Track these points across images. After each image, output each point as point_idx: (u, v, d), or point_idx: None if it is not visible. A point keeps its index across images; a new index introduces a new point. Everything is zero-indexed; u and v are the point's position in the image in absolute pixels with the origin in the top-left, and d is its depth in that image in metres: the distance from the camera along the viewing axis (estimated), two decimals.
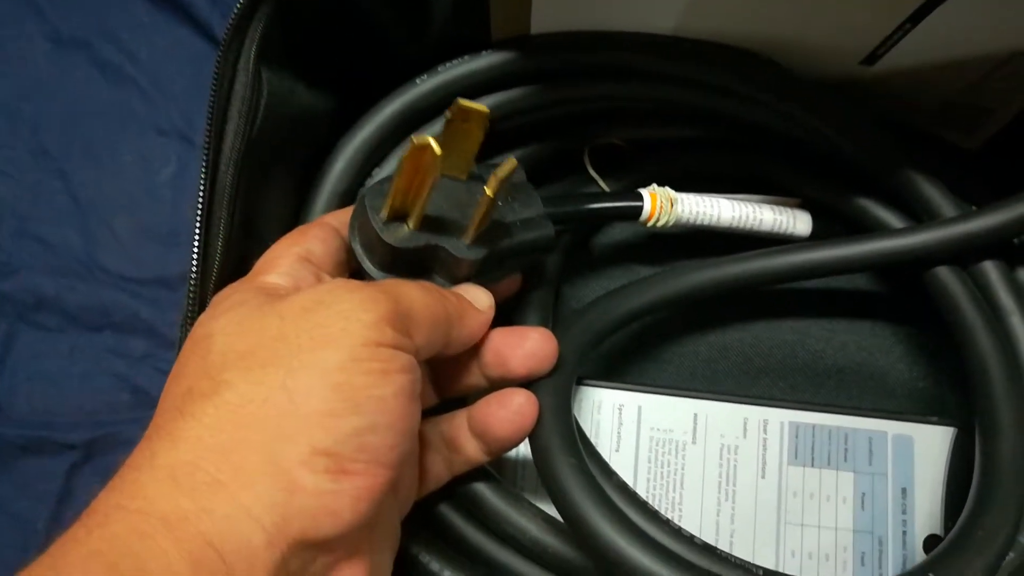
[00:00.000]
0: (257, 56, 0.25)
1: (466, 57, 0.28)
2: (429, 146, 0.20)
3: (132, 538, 0.16)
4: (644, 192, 0.28)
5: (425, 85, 0.28)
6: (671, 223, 0.28)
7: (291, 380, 0.17)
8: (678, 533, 0.23)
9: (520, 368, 0.23)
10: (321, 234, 0.23)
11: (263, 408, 0.17)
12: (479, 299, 0.23)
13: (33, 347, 0.33)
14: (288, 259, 0.22)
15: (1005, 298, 0.27)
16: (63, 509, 0.31)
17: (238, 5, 0.24)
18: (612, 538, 0.20)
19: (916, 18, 0.25)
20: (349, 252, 0.23)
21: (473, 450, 0.23)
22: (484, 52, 0.28)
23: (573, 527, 0.21)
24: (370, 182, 0.28)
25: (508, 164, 0.21)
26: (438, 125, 0.28)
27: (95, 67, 0.36)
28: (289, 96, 0.26)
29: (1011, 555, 0.24)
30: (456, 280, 0.23)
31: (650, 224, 0.28)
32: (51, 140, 0.35)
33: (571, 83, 0.29)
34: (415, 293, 0.20)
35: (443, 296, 0.21)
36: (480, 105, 0.21)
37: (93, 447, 0.32)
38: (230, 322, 0.19)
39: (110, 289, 0.33)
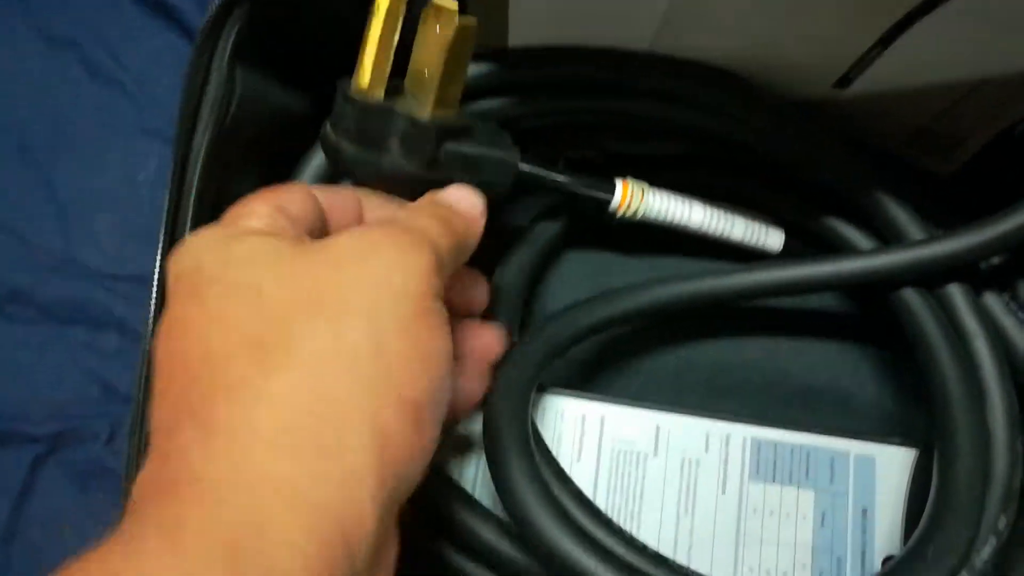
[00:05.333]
0: (232, 55, 0.25)
1: None
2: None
3: (251, 514, 0.14)
4: (617, 180, 0.28)
5: None
6: (641, 214, 0.28)
7: (373, 329, 0.17)
8: (631, 542, 0.23)
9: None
10: (298, 195, 0.22)
11: (352, 360, 0.16)
12: (473, 204, 0.23)
13: (4, 338, 0.33)
14: (266, 207, 0.20)
15: (969, 321, 0.27)
16: (25, 502, 0.31)
17: (212, 7, 0.25)
18: (558, 540, 0.20)
19: (885, 41, 0.26)
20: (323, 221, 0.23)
21: None
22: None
23: (521, 529, 0.21)
24: None
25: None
26: None
27: (84, 67, 0.36)
28: (263, 95, 0.27)
29: (964, 574, 0.24)
30: (414, 158, 0.23)
31: (620, 212, 0.28)
32: (36, 137, 0.35)
33: (546, 96, 0.30)
34: (438, 231, 0.20)
35: (454, 219, 0.21)
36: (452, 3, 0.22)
37: (58, 441, 0.32)
38: (274, 269, 0.18)
39: (85, 284, 0.33)
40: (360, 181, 0.27)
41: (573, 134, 0.32)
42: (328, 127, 0.24)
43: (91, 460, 0.32)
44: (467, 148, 0.24)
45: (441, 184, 0.24)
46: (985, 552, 0.24)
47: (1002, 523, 0.25)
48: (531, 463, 0.22)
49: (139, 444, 0.23)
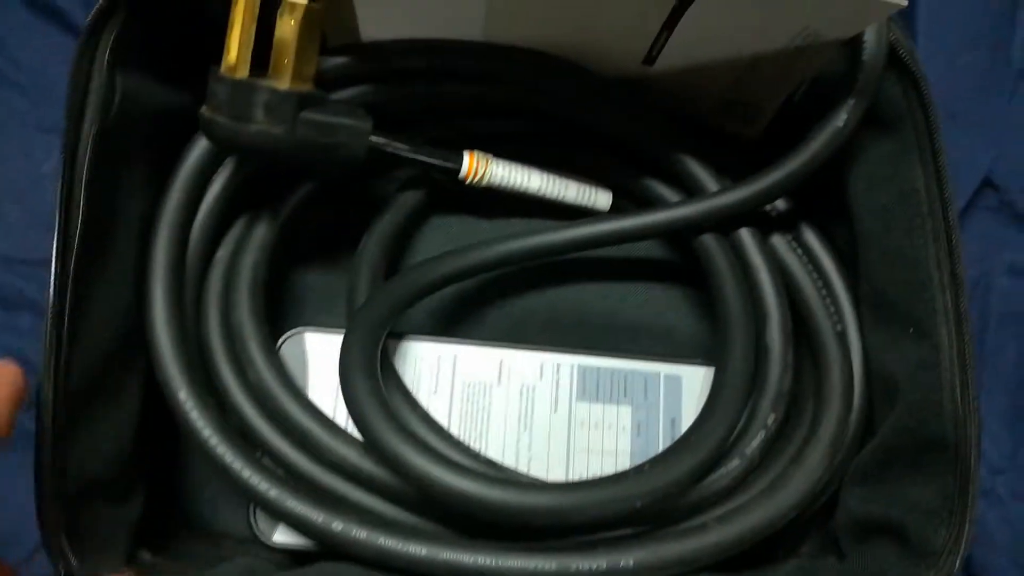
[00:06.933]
0: (111, 60, 0.29)
1: None
2: None
3: None
4: (465, 152, 0.33)
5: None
6: (487, 181, 0.33)
7: None
8: (467, 450, 0.28)
9: None
10: None
11: None
12: None
13: None
14: None
15: (755, 257, 0.33)
16: None
17: (93, 11, 0.28)
18: (397, 447, 0.25)
19: (669, 26, 0.31)
20: None
21: None
22: (318, 57, 0.33)
23: (367, 439, 0.26)
24: None
25: None
26: None
27: None
28: (144, 94, 0.30)
29: (737, 462, 0.29)
30: (277, 124, 0.28)
31: (469, 180, 0.33)
32: None
33: (397, 82, 0.34)
34: None
35: None
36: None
37: None
38: None
39: None
40: (236, 154, 0.31)
41: (430, 117, 0.36)
42: (204, 108, 0.28)
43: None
44: (323, 116, 0.29)
45: (303, 152, 0.29)
46: (755, 443, 0.30)
47: (771, 420, 0.30)
48: (374, 382, 0.27)
49: (49, 408, 0.27)
